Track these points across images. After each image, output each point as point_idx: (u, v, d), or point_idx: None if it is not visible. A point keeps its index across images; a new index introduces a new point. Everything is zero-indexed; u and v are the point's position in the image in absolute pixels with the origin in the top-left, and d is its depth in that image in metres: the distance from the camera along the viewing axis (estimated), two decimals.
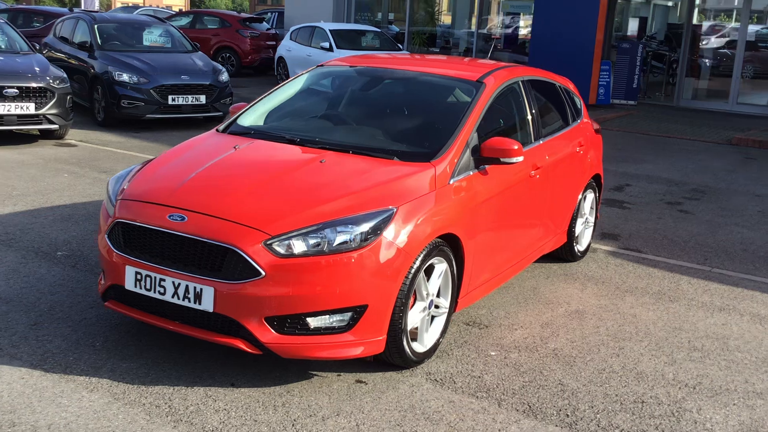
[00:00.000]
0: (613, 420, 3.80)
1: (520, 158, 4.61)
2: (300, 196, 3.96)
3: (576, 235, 6.27)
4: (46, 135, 10.19)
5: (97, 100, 11.51)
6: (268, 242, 3.65)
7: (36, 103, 9.44)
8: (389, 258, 3.80)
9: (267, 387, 3.83)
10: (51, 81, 9.63)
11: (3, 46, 10.58)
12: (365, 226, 3.78)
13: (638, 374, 4.34)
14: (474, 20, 19.62)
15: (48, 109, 9.54)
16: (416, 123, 4.96)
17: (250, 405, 3.65)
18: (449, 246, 4.26)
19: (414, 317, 4.10)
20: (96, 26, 12.22)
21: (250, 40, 19.77)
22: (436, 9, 21.16)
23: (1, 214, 6.51)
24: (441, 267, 4.22)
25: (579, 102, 6.47)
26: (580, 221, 6.33)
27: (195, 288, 3.70)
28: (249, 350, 3.71)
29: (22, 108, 9.33)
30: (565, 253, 6.27)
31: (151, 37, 12.78)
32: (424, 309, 4.17)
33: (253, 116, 5.20)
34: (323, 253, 3.69)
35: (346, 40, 16.72)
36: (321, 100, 5.39)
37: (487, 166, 4.63)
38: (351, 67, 5.55)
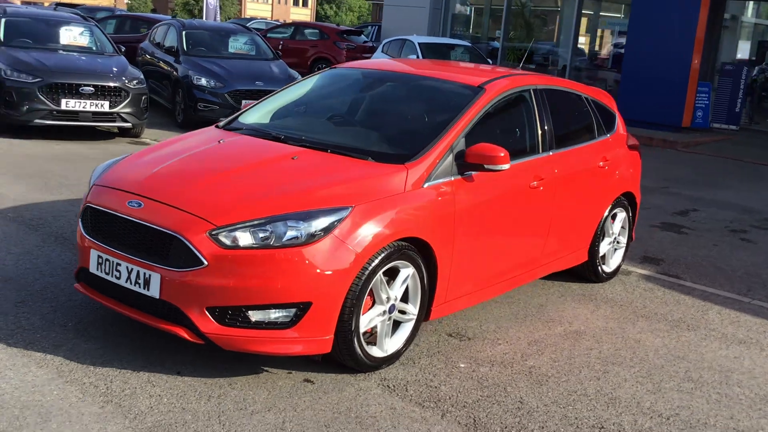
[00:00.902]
0: (511, 421, 3.59)
1: (506, 166, 4.44)
2: (258, 189, 3.97)
3: (601, 254, 5.98)
4: (124, 133, 10.66)
5: (178, 102, 11.97)
6: (213, 232, 3.67)
7: (110, 102, 9.90)
8: (339, 257, 3.74)
9: (211, 378, 3.84)
10: (126, 81, 10.08)
11: (94, 48, 11.18)
12: (316, 223, 3.74)
13: (611, 399, 4.09)
14: (571, 37, 19.18)
15: (122, 108, 9.98)
16: (403, 125, 4.88)
17: (186, 393, 3.67)
18: (418, 251, 4.15)
19: (371, 320, 4.01)
20: (184, 32, 12.74)
21: (346, 52, 20.06)
22: (534, 25, 20.82)
23: (43, 200, 6.84)
24: (407, 271, 4.12)
25: (613, 116, 6.19)
26: (606, 240, 6.05)
27: (144, 274, 3.77)
28: (190, 339, 3.73)
29: (97, 105, 9.81)
30: (588, 273, 6.00)
31: (237, 44, 13.19)
32: (384, 313, 4.07)
33: (257, 114, 5.26)
34: (270, 246, 3.67)
35: (433, 53, 16.69)
36: (323, 101, 5.39)
37: (473, 172, 4.49)
38: (359, 69, 5.52)
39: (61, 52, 10.62)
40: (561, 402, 4.00)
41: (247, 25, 25.36)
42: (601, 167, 5.76)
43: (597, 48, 19.93)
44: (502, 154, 4.41)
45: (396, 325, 4.23)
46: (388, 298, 4.06)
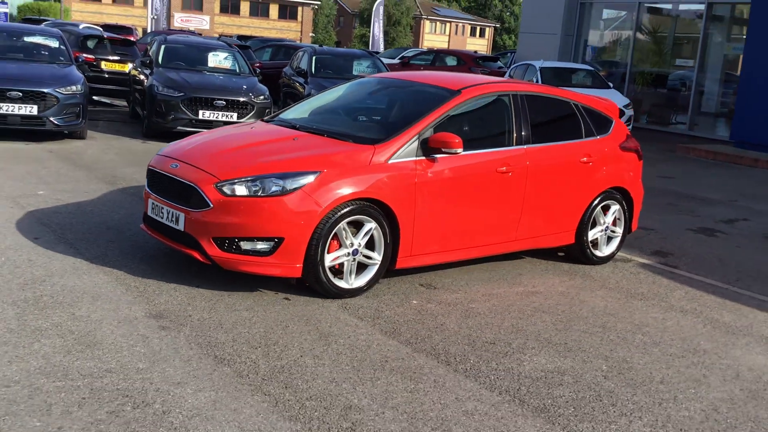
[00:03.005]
0: (451, 348, 4.79)
1: (460, 150, 5.70)
2: (258, 157, 5.49)
3: (590, 240, 6.98)
4: None
5: None
6: (218, 185, 5.22)
7: (239, 113, 11.88)
8: (306, 207, 5.17)
9: (218, 290, 5.36)
10: (253, 97, 12.05)
11: (237, 70, 13.31)
12: (292, 181, 5.20)
13: (517, 330, 5.20)
14: (699, 61, 19.42)
15: (248, 119, 11.93)
16: (387, 118, 6.24)
17: (196, 297, 5.20)
18: (381, 211, 5.49)
19: (338, 258, 5.38)
20: (314, 57, 14.67)
21: None
22: (665, 50, 21.14)
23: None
24: (369, 225, 5.47)
25: (609, 121, 7.18)
26: (598, 229, 7.04)
27: (176, 214, 5.38)
28: (202, 260, 5.29)
29: (227, 116, 11.82)
30: (578, 255, 7.02)
31: (360, 67, 14.96)
32: (349, 255, 5.44)
33: (295, 111, 6.80)
34: (258, 196, 5.18)
35: (554, 76, 17.66)
36: (342, 101, 6.86)
37: (438, 155, 5.78)
38: (376, 79, 6.96)
39: (205, 72, 12.79)
40: (474, 328, 5.18)
41: (404, 53, 27.15)
42: (584, 162, 6.80)
43: (729, 71, 19.97)
44: (457, 141, 5.67)
45: (364, 267, 5.58)
46: (352, 244, 5.43)
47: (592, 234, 7.02)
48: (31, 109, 10.42)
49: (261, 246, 5.21)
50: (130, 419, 3.54)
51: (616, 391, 4.39)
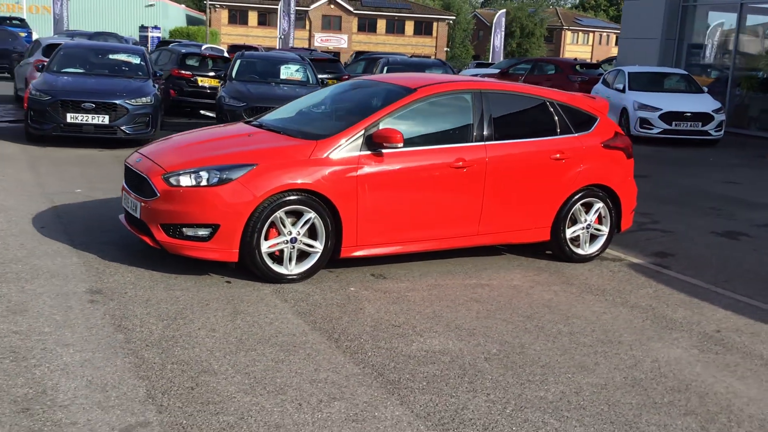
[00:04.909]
0: (350, 329, 5.06)
1: (400, 145, 5.97)
2: (208, 151, 6.00)
3: (568, 237, 6.99)
4: None
5: None
6: (165, 175, 5.77)
7: None
8: (240, 196, 5.62)
9: (168, 273, 5.88)
10: None
11: (308, 81, 14.04)
12: (229, 172, 5.67)
13: (433, 318, 5.39)
14: None
15: None
16: (341, 115, 6.56)
17: (144, 276, 5.74)
18: (321, 202, 5.85)
19: (277, 245, 5.78)
20: (386, 67, 15.15)
21: (578, 85, 21.10)
22: None
23: None
24: (308, 215, 5.84)
25: (592, 119, 7.15)
26: (579, 226, 7.04)
27: (135, 204, 5.98)
28: (152, 244, 5.84)
29: None
30: (556, 252, 7.06)
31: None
32: (287, 242, 5.82)
33: (282, 112, 7.26)
34: (199, 186, 5.68)
35: (643, 82, 17.23)
36: (318, 101, 7.24)
37: (383, 150, 6.06)
38: (353, 81, 7.32)
39: (273, 84, 13.56)
40: (391, 313, 5.41)
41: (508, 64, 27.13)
42: (556, 159, 6.83)
43: None
44: (398, 136, 5.94)
45: (307, 255, 5.94)
46: (290, 232, 5.81)
47: (571, 231, 7.02)
48: (103, 119, 11.48)
49: (201, 232, 5.69)
50: (1, 369, 4.09)
51: (485, 371, 4.52)
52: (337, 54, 56.02)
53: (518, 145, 6.73)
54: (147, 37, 45.49)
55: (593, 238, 7.18)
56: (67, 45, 13.57)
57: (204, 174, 5.70)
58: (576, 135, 7.03)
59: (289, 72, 14.20)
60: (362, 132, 6.05)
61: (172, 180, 5.74)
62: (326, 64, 18.66)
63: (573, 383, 4.45)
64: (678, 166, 13.74)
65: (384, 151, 6.06)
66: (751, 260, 7.55)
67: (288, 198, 5.72)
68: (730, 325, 5.67)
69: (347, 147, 5.98)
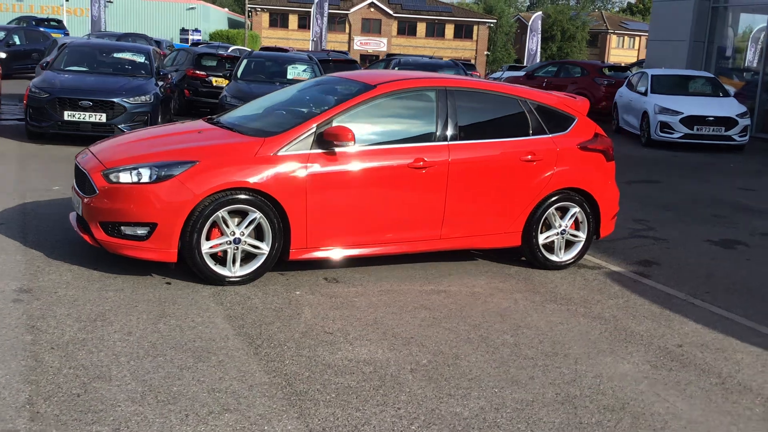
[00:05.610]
0: (277, 335, 4.81)
1: (351, 143, 5.70)
2: (151, 148, 5.81)
3: (540, 243, 6.64)
4: None
5: None
6: (104, 172, 5.59)
7: None
8: (179, 194, 5.40)
9: (109, 273, 5.70)
10: None
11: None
12: (168, 170, 5.46)
13: (372, 324, 5.11)
14: None
15: None
16: (297, 112, 6.30)
17: (84, 275, 5.57)
18: (268, 201, 5.61)
19: (220, 246, 5.55)
20: (397, 67, 14.88)
21: (604, 88, 20.60)
22: None
23: None
24: (253, 215, 5.60)
25: (569, 119, 6.79)
26: (552, 232, 6.69)
27: (78, 201, 5.81)
28: (91, 243, 5.66)
29: None
30: (529, 258, 6.72)
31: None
32: (230, 243, 5.59)
33: (246, 109, 7.04)
34: (139, 183, 5.48)
35: (667, 85, 16.69)
36: (287, 99, 6.98)
37: (337, 149, 5.80)
38: (320, 78, 7.06)
39: (277, 83, 13.38)
40: (328, 319, 5.14)
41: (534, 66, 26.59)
42: (527, 161, 6.49)
43: None
44: (350, 135, 5.68)
45: (254, 256, 5.71)
46: (233, 233, 5.58)
47: (544, 237, 6.67)
48: (100, 117, 11.40)
49: (140, 231, 5.49)
50: None
51: (405, 383, 4.24)
52: (376, 57, 56.02)
53: (485, 146, 6.40)
54: (187, 39, 45.99)
55: (569, 244, 6.82)
56: (72, 43, 13.57)
57: (143, 171, 5.50)
58: (550, 136, 6.68)
59: (296, 72, 14.03)
60: (313, 129, 5.80)
61: (112, 177, 5.55)
62: (344, 65, 18.46)
63: (497, 398, 4.13)
64: (694, 171, 13.21)
65: (337, 149, 5.80)
66: (740, 271, 7.11)
67: (230, 197, 5.50)
68: (695, 339, 5.28)
69: (297, 145, 5.74)
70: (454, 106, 6.30)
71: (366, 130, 6.02)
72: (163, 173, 5.46)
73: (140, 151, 5.78)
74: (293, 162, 5.68)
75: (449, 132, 6.23)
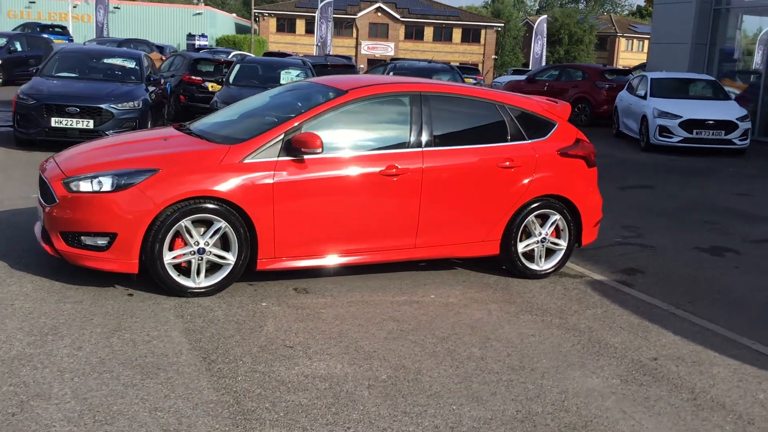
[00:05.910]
0: (234, 350, 4.66)
1: (319, 150, 5.55)
2: (113, 155, 5.68)
3: (520, 251, 6.47)
4: None
5: None
6: (64, 180, 5.45)
7: None
8: (139, 203, 5.26)
9: (71, 284, 5.56)
10: None
11: None
12: (128, 178, 5.32)
13: (337, 337, 4.95)
14: None
15: None
16: (272, 119, 6.12)
17: (45, 286, 5.42)
18: (233, 210, 5.46)
19: (183, 256, 5.41)
20: (392, 72, 14.74)
21: (605, 92, 20.37)
22: None
23: None
24: (218, 224, 5.46)
25: (548, 124, 6.62)
26: (531, 240, 6.51)
27: (41, 211, 5.68)
28: (52, 253, 5.52)
29: None
30: (509, 267, 6.55)
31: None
32: (194, 253, 5.45)
33: (220, 115, 6.90)
34: (98, 192, 5.34)
35: (667, 88, 16.47)
36: (262, 104, 6.83)
37: (305, 156, 5.65)
38: (301, 83, 6.94)
39: (269, 88, 13.23)
40: (290, 332, 4.99)
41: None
42: (505, 167, 6.32)
43: None
44: (318, 142, 5.53)
45: (220, 267, 5.56)
46: (197, 242, 5.43)
47: (524, 245, 6.50)
48: (88, 123, 11.28)
49: (100, 241, 5.36)
50: None
51: (360, 400, 4.07)
52: (383, 62, 55.82)
53: (461, 152, 6.24)
54: (194, 44, 45.98)
55: (550, 252, 6.64)
56: (63, 49, 13.48)
57: (104, 179, 5.36)
58: (529, 142, 6.50)
59: (289, 77, 13.89)
60: (281, 136, 5.65)
61: (72, 185, 5.42)
62: (342, 69, 18.35)
63: (453, 416, 3.97)
64: (690, 176, 12.99)
65: (306, 157, 5.65)
66: (727, 280, 6.91)
67: (194, 206, 5.35)
68: (672, 352, 5.10)
69: (264, 152, 5.59)
70: (429, 112, 6.14)
71: (337, 137, 5.88)
72: (123, 182, 5.32)
73: (102, 159, 5.65)
74: (260, 170, 5.54)
75: (423, 138, 6.08)
